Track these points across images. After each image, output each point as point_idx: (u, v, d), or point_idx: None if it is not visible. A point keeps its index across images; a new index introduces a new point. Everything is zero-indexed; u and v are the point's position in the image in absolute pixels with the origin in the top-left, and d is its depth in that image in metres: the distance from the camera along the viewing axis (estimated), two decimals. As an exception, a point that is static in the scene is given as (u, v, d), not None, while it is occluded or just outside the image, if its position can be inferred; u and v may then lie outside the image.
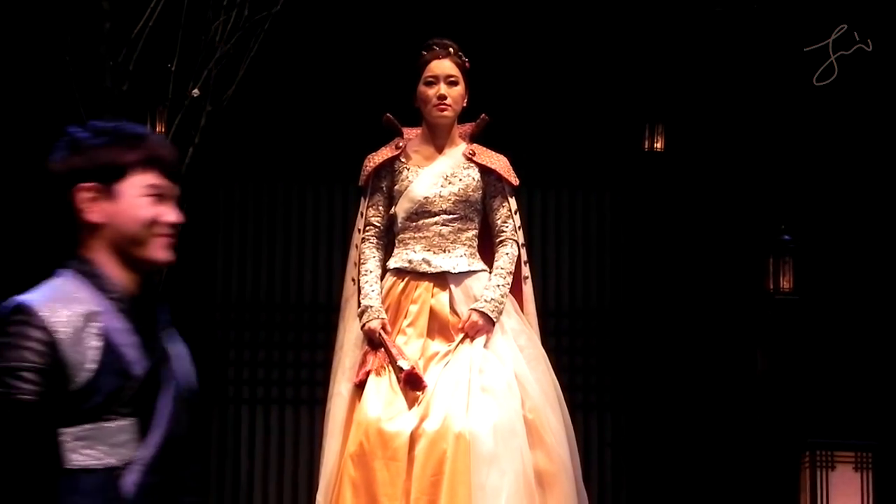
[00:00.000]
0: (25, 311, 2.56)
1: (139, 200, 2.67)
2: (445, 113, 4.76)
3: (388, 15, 7.05)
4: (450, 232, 4.77)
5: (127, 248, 2.68)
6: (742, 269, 7.16)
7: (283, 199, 7.56)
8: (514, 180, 4.88)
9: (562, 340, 7.36)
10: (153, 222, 2.67)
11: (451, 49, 4.80)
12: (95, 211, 2.67)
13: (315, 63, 7.28)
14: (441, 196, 4.75)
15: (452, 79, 4.76)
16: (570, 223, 7.62)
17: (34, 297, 2.61)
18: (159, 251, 2.68)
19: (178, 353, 2.73)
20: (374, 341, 4.66)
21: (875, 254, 7.12)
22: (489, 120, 4.98)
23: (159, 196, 2.68)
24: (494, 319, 4.69)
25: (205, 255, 7.36)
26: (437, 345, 4.68)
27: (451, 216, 4.76)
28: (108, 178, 2.67)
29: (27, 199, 5.93)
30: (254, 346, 7.47)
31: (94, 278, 2.66)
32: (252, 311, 7.47)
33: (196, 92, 4.44)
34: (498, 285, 4.75)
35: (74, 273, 2.66)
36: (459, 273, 4.76)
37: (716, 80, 7.01)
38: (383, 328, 4.66)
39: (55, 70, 4.85)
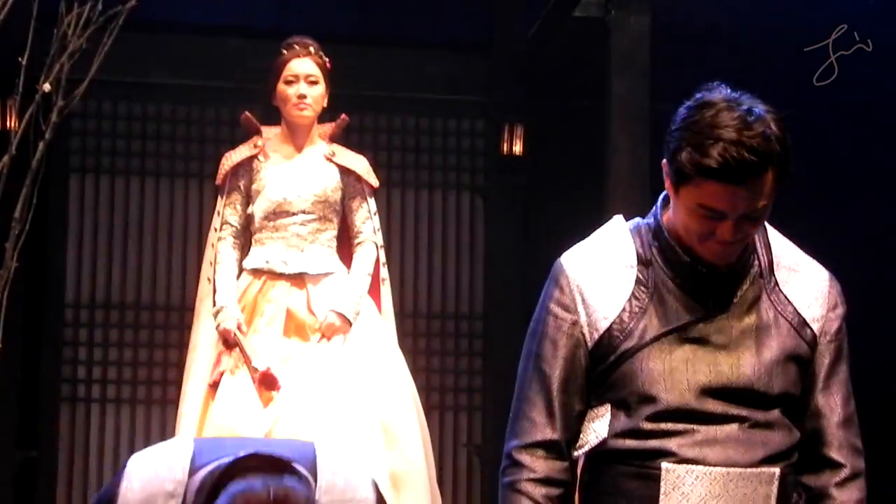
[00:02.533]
0: None
1: None
2: (305, 112, 4.72)
3: (244, 10, 6.98)
4: (308, 232, 4.73)
5: None
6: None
7: (137, 195, 7.42)
8: (374, 182, 4.86)
9: (418, 342, 7.36)
10: None
11: (311, 48, 4.75)
12: None
13: (170, 57, 7.18)
14: (300, 196, 4.71)
15: (312, 78, 4.72)
16: (430, 224, 7.62)
17: None
18: None
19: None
20: (228, 341, 4.60)
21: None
22: (349, 120, 4.96)
23: None
24: (352, 320, 4.67)
25: (55, 252, 7.20)
26: (294, 345, 4.65)
27: (309, 216, 4.72)
28: None
29: None
30: (105, 346, 7.31)
31: None
32: (103, 309, 7.32)
33: (47, 87, 4.31)
34: (356, 286, 4.73)
35: None
36: (317, 273, 4.73)
37: (576, 84, 7.07)
38: (238, 328, 4.60)
39: None
